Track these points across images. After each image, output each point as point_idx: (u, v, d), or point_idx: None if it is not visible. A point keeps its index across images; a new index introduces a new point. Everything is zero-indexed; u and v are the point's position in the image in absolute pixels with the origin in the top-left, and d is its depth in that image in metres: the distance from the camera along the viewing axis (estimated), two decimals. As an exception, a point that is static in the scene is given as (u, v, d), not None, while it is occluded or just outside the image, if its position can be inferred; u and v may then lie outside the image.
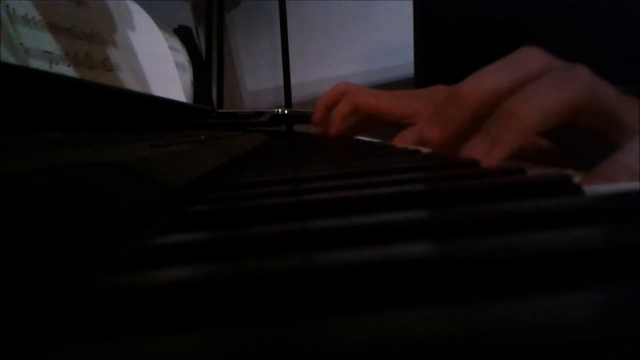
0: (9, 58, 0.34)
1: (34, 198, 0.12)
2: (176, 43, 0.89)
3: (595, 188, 0.17)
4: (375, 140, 0.53)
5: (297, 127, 1.09)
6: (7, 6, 0.36)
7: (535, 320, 0.07)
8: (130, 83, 0.55)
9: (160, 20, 0.78)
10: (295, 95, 1.38)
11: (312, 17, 1.49)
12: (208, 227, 0.16)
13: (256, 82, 1.55)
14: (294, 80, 1.37)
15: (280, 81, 1.38)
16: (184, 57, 0.91)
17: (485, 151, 0.26)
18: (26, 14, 0.38)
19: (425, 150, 0.38)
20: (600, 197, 0.16)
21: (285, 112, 0.97)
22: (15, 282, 0.09)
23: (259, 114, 0.92)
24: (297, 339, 0.07)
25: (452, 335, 0.07)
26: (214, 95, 1.28)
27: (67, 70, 0.42)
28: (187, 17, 1.43)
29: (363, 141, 0.58)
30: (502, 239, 0.11)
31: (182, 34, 1.02)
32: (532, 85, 0.25)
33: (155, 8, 0.76)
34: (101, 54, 0.50)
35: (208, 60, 1.30)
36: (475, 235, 0.12)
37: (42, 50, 0.39)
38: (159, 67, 0.69)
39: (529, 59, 0.28)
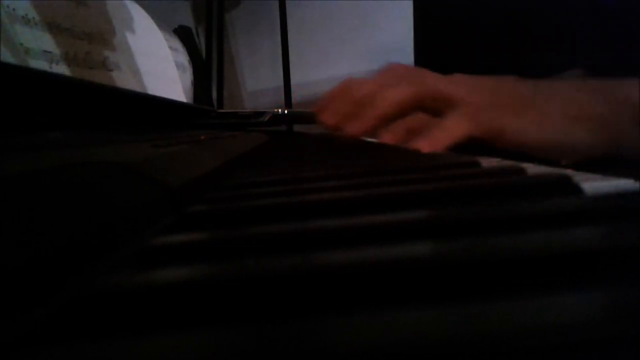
0: (9, 58, 0.34)
1: (35, 198, 0.12)
2: (176, 43, 0.89)
3: (595, 187, 0.17)
4: (375, 140, 0.53)
5: (297, 127, 1.09)
6: (7, 6, 0.36)
7: (535, 320, 0.07)
8: (130, 83, 0.55)
9: (160, 20, 0.78)
10: (295, 95, 1.38)
11: (312, 17, 1.49)
12: (208, 228, 0.16)
13: (256, 82, 1.55)
14: (294, 80, 1.37)
15: (280, 81, 1.38)
16: (184, 57, 0.91)
17: (357, 127, 0.41)
18: (26, 14, 0.38)
19: (424, 150, 0.38)
20: (600, 197, 0.16)
21: (285, 112, 0.97)
22: (17, 281, 0.09)
23: (259, 114, 0.92)
24: (297, 339, 0.07)
25: (452, 335, 0.07)
26: (214, 95, 1.28)
27: (67, 70, 0.42)
28: (187, 17, 1.43)
29: (363, 141, 0.58)
30: (502, 239, 0.11)
31: (182, 34, 1.02)
32: (387, 87, 0.40)
33: (155, 8, 0.76)
34: (101, 54, 0.50)
35: (208, 60, 1.30)
36: (475, 235, 0.12)
37: (42, 50, 0.39)
38: (159, 67, 0.69)
39: (394, 70, 0.44)
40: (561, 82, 0.37)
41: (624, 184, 0.17)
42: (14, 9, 0.37)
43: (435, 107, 0.38)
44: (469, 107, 0.35)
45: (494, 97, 0.36)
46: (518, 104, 0.35)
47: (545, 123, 0.34)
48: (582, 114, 0.33)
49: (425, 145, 0.34)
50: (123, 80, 0.53)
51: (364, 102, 0.41)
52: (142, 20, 0.68)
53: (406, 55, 1.09)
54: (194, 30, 1.30)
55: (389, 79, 0.43)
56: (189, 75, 0.92)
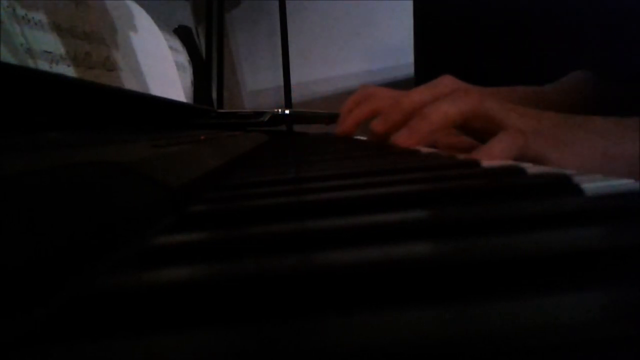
0: (9, 58, 0.34)
1: (35, 198, 0.12)
2: (176, 43, 0.89)
3: (595, 187, 0.17)
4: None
5: (297, 127, 1.10)
6: (7, 6, 0.36)
7: (535, 320, 0.07)
8: (130, 83, 0.55)
9: (160, 20, 0.78)
10: (295, 95, 1.38)
11: (313, 17, 1.49)
12: (208, 228, 0.16)
13: (256, 82, 1.55)
14: (294, 80, 1.37)
15: (280, 81, 1.38)
16: (184, 57, 0.91)
17: (406, 137, 0.39)
18: (26, 14, 0.38)
19: (425, 150, 0.38)
20: (600, 197, 0.16)
21: (286, 112, 0.97)
22: (17, 281, 0.09)
23: (259, 114, 0.92)
24: (297, 339, 0.07)
25: (452, 335, 0.07)
26: (214, 95, 1.28)
27: (67, 70, 0.42)
28: (187, 17, 1.43)
29: (363, 141, 0.58)
30: (502, 239, 0.11)
31: (182, 34, 1.02)
32: (440, 99, 0.39)
33: (155, 8, 0.76)
34: (101, 54, 0.50)
35: (208, 60, 1.30)
36: (475, 235, 0.12)
37: (42, 50, 0.39)
38: (159, 67, 0.69)
39: (444, 82, 0.46)
40: (601, 118, 0.37)
41: (624, 184, 0.17)
42: (14, 9, 0.37)
43: (480, 127, 0.38)
44: (517, 131, 0.36)
45: (539, 125, 0.37)
46: (563, 136, 0.36)
47: (585, 158, 0.34)
48: (620, 153, 0.34)
49: None
50: (123, 80, 0.53)
51: (413, 113, 0.41)
52: (142, 20, 0.68)
53: (406, 55, 1.09)
54: (194, 30, 1.30)
55: (439, 92, 0.43)
56: (189, 75, 0.92)
